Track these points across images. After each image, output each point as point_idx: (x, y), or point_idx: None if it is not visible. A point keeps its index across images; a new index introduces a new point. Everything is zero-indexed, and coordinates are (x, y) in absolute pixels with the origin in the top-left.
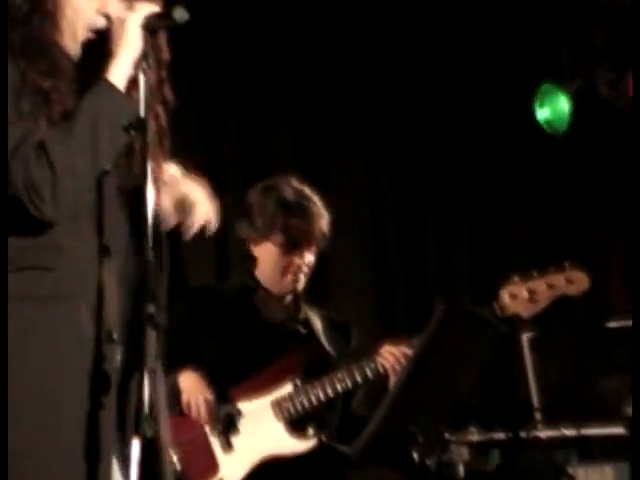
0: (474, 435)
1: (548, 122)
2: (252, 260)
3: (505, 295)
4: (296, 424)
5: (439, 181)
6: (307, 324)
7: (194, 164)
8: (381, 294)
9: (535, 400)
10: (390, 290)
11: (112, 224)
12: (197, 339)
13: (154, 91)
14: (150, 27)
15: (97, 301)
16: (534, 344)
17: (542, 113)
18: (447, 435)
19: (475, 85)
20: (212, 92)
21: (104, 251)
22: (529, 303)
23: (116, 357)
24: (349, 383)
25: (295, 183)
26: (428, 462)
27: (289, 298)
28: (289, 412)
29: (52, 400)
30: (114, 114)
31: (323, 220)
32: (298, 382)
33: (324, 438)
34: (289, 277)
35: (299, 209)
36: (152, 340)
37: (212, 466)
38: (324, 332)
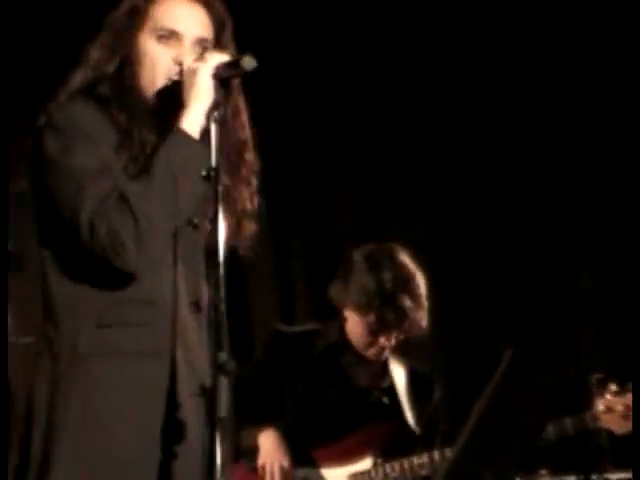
0: (545, 478)
1: None
2: (342, 319)
3: (601, 406)
4: None
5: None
6: (391, 392)
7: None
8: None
9: (606, 443)
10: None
11: (197, 277)
12: (280, 391)
13: (236, 139)
14: (220, 76)
15: (194, 353)
16: (600, 390)
17: None
18: (518, 479)
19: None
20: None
21: (195, 305)
22: (624, 420)
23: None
24: (430, 469)
25: (402, 257)
26: None
27: (378, 362)
28: None
29: (144, 458)
30: (192, 163)
31: (420, 312)
32: (379, 459)
33: None
34: (373, 350)
35: (396, 301)
36: (223, 389)
37: None
38: (408, 395)
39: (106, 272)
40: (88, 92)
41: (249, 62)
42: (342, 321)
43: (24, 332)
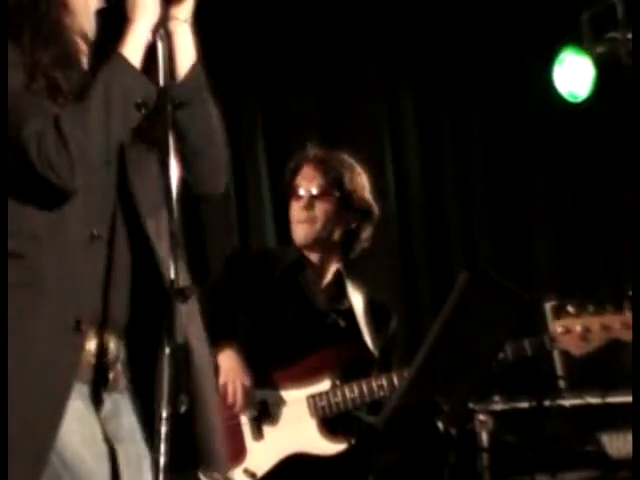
0: (498, 404)
1: (568, 89)
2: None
3: (558, 328)
4: (328, 423)
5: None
6: (349, 315)
7: None
8: (405, 273)
9: (559, 368)
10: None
11: (102, 206)
12: (236, 311)
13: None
14: None
15: (75, 291)
16: (557, 312)
17: (562, 79)
18: (471, 404)
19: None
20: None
21: (91, 236)
22: (581, 341)
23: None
24: (388, 392)
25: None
26: (452, 432)
27: (331, 276)
28: (323, 410)
29: (15, 395)
30: (127, 91)
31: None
32: (337, 381)
33: (353, 442)
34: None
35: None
36: (180, 314)
37: (240, 452)
38: (365, 320)
39: (25, 204)
40: (15, 25)
41: None
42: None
43: None
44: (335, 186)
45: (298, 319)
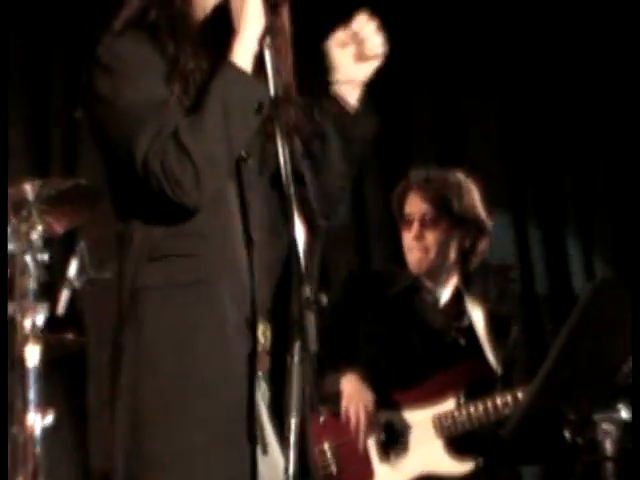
0: (623, 412)
1: None
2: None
3: None
4: (454, 442)
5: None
6: (469, 332)
7: None
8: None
9: None
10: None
11: (254, 210)
12: (356, 334)
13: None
14: (271, 1)
15: (242, 287)
16: None
17: None
18: (596, 413)
19: None
20: None
21: (249, 239)
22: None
23: (262, 340)
24: (513, 408)
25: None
26: (579, 441)
27: (449, 295)
28: (449, 430)
29: (200, 384)
30: (244, 98)
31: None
32: (461, 400)
33: (481, 463)
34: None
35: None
36: (312, 324)
37: (367, 473)
38: (487, 335)
39: (159, 207)
40: (138, 22)
41: None
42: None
43: (102, 268)
44: (444, 211)
45: (418, 340)
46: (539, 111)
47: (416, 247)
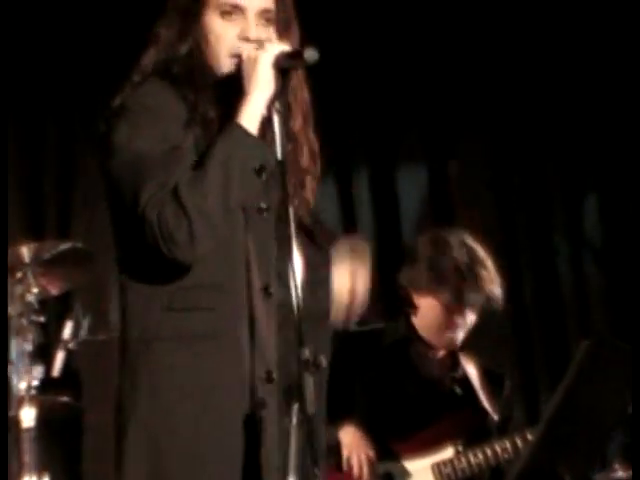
0: (619, 472)
1: None
2: (412, 308)
3: None
4: None
5: None
6: (464, 382)
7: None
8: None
9: None
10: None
11: (271, 262)
12: (352, 388)
13: (298, 132)
14: (281, 66)
15: (255, 340)
16: None
17: None
18: (593, 474)
19: None
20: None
21: (265, 291)
22: None
23: (273, 398)
24: (512, 454)
25: (469, 241)
26: None
27: (447, 353)
28: (449, 477)
29: (211, 436)
30: (245, 158)
31: (495, 287)
32: (460, 447)
33: None
34: (448, 335)
35: (471, 275)
36: (310, 386)
37: None
38: (481, 387)
39: (160, 259)
40: (161, 73)
41: (311, 54)
42: (409, 313)
43: (98, 330)
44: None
45: (415, 390)
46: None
47: (463, 326)
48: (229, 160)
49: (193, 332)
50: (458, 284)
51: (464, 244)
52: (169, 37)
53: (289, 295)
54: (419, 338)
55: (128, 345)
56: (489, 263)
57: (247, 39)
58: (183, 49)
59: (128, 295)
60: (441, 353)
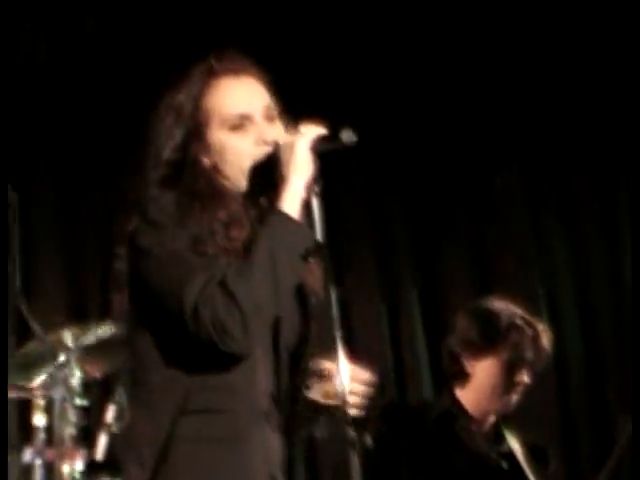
0: None
1: None
2: (463, 377)
3: None
4: None
5: None
6: (510, 457)
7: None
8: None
9: None
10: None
11: (274, 367)
12: (399, 465)
13: None
14: (318, 150)
15: (270, 443)
16: None
17: None
18: None
19: None
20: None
21: (278, 393)
22: None
23: None
24: None
25: (516, 308)
26: None
27: (489, 424)
28: None
29: None
30: (291, 244)
31: (549, 345)
32: None
33: None
34: (505, 397)
35: (529, 326)
36: (356, 466)
37: None
38: (526, 462)
39: (206, 356)
40: (174, 182)
41: (349, 136)
42: (457, 383)
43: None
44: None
45: (462, 465)
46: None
47: (521, 385)
48: (275, 247)
49: (206, 434)
50: (517, 339)
51: (512, 306)
52: (172, 156)
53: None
54: (463, 412)
55: (144, 442)
56: (538, 323)
57: (266, 142)
58: (191, 169)
59: (146, 391)
60: (486, 427)
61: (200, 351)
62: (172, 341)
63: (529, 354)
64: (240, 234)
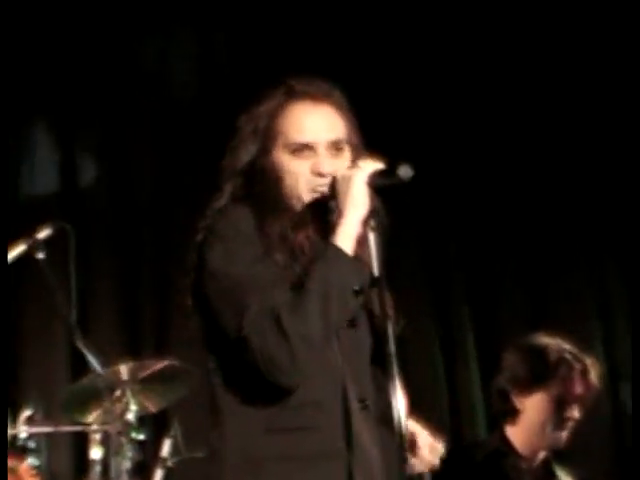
0: None
1: None
2: (513, 414)
3: None
4: None
5: None
6: None
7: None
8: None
9: None
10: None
11: (362, 376)
12: None
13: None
14: (375, 184)
15: (356, 455)
16: None
17: None
18: None
19: None
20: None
21: (362, 404)
22: None
23: None
24: None
25: (564, 342)
26: None
27: (539, 460)
28: None
29: None
30: (343, 280)
31: (597, 376)
32: None
33: None
34: (556, 433)
35: (578, 361)
36: None
37: None
38: None
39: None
40: (244, 199)
41: (406, 171)
42: (506, 420)
43: (196, 447)
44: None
45: None
46: None
47: (572, 420)
48: (327, 283)
49: (296, 452)
50: (566, 374)
51: (560, 341)
52: (245, 167)
53: (387, 410)
54: (513, 450)
55: (225, 467)
56: (587, 358)
57: (321, 174)
58: (260, 181)
59: (224, 414)
60: (536, 463)
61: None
62: (238, 364)
63: (578, 388)
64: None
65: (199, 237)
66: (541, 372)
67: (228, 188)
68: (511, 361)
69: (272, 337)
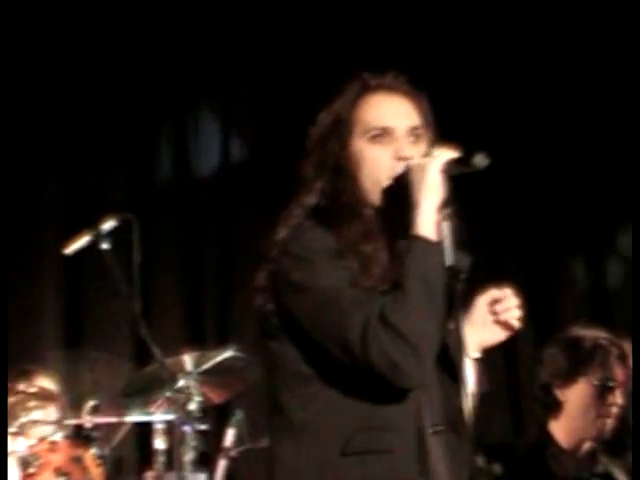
0: None
1: None
2: (556, 406)
3: None
4: None
5: None
6: (606, 477)
7: None
8: None
9: None
10: None
11: (435, 397)
12: None
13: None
14: (449, 173)
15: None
16: None
17: None
18: None
19: None
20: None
21: (436, 430)
22: None
23: None
24: None
25: (599, 331)
26: None
27: (585, 451)
28: None
29: None
30: (439, 266)
31: (631, 361)
32: None
33: None
34: (601, 420)
35: (614, 346)
36: None
37: None
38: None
39: (351, 399)
40: (317, 216)
41: (481, 160)
42: (550, 413)
43: (259, 437)
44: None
45: None
46: None
47: (616, 407)
48: (425, 273)
49: (372, 477)
50: (603, 359)
51: (596, 330)
52: (315, 177)
53: (458, 416)
54: (555, 444)
55: None
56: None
57: (403, 158)
58: (328, 187)
59: (300, 432)
60: (581, 453)
61: (366, 388)
62: (335, 381)
63: (618, 373)
64: (379, 258)
65: (273, 262)
66: (579, 360)
67: (300, 206)
68: (549, 355)
69: (390, 342)
